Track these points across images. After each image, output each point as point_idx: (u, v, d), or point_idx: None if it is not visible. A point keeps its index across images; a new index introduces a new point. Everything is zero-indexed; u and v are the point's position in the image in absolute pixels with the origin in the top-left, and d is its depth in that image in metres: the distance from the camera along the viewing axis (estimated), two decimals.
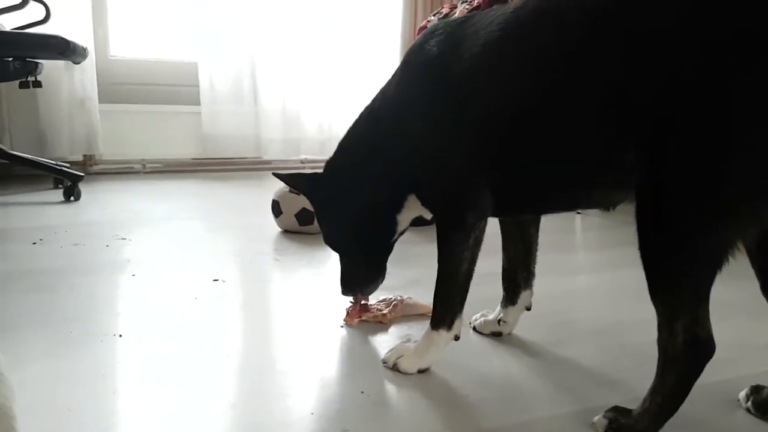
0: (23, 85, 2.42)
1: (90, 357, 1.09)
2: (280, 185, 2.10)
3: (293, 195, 2.04)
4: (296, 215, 2.04)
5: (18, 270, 1.59)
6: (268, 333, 1.25)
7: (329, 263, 1.73)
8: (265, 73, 3.54)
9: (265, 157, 3.65)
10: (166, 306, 1.36)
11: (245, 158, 3.65)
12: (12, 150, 2.74)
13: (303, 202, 2.03)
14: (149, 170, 3.45)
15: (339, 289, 1.26)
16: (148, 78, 3.45)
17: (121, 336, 1.18)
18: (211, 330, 1.24)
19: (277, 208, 2.08)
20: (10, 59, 2.33)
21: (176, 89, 3.49)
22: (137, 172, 3.41)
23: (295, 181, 1.29)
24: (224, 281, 1.54)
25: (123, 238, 1.93)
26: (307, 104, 3.67)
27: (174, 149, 3.50)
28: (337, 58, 3.68)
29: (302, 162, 3.70)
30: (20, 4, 2.32)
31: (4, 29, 2.44)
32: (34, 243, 1.85)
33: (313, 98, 3.67)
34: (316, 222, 2.01)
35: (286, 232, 2.10)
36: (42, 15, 2.66)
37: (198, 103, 3.44)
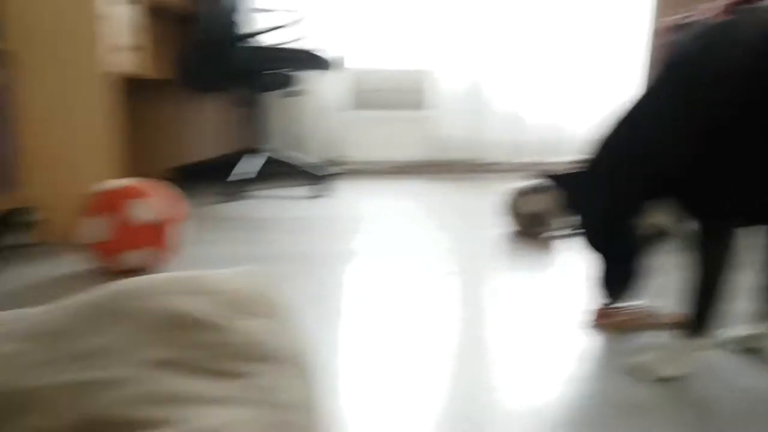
0: (287, 95, 2.77)
1: (330, 335, 1.24)
2: (513, 186, 2.15)
3: (525, 196, 2.08)
4: (527, 217, 2.07)
5: (274, 254, 1.84)
6: (503, 328, 1.30)
7: (566, 266, 1.74)
8: (493, 75, 3.62)
9: (490, 160, 3.73)
10: (397, 295, 1.48)
11: (471, 160, 3.76)
12: (275, 153, 3.14)
13: (534, 204, 2.05)
14: (386, 170, 3.72)
15: (584, 292, 1.27)
16: (386, 85, 3.73)
17: (357, 322, 1.32)
18: (442, 320, 1.33)
19: (508, 209, 2.13)
20: (278, 72, 2.68)
21: (411, 95, 3.73)
22: (376, 172, 3.70)
23: (557, 180, 1.33)
24: (457, 274, 1.63)
25: (362, 232, 2.13)
26: (534, 106, 3.67)
27: (406, 151, 3.74)
28: (566, 58, 3.62)
29: (527, 164, 3.71)
30: (285, 24, 2.66)
31: (275, 45, 2.80)
32: (290, 232, 2.12)
33: (542, 100, 3.65)
34: (547, 225, 2.06)
35: (517, 233, 2.13)
36: (300, 31, 3.01)
37: (430, 107, 3.64)
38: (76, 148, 1.87)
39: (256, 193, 2.92)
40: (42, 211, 1.88)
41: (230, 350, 0.62)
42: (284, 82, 2.74)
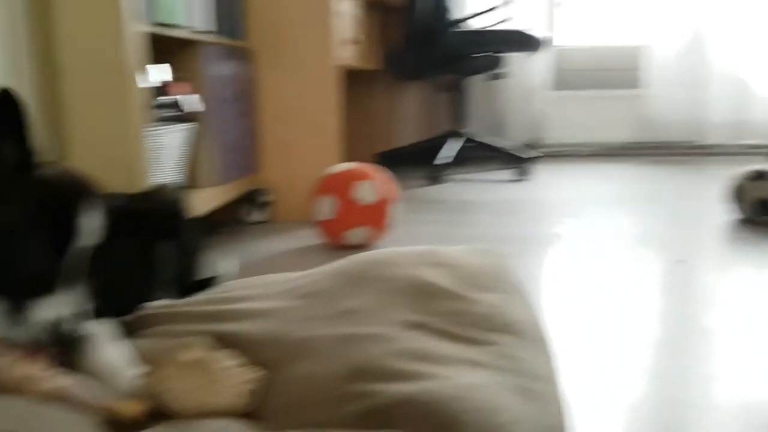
0: (492, 78, 2.79)
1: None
2: (739, 170, 1.98)
3: (754, 183, 1.91)
4: (756, 204, 1.90)
5: (479, 236, 1.88)
6: (725, 320, 1.22)
7: None
8: (712, 51, 3.31)
9: (707, 142, 3.43)
10: (609, 280, 1.45)
11: (686, 142, 3.48)
12: (477, 136, 3.19)
13: (765, 190, 1.88)
14: (589, 153, 3.59)
15: None
16: (592, 64, 3.59)
17: (568, 304, 1.31)
18: (658, 308, 1.28)
19: (736, 195, 1.96)
20: (487, 54, 2.71)
21: (618, 73, 3.54)
22: (579, 155, 3.59)
23: None
24: (686, 262, 1.55)
25: (567, 215, 2.10)
26: (760, 84, 3.29)
27: (612, 133, 3.57)
28: None
29: (750, 147, 3.35)
30: (495, 6, 2.68)
31: (484, 28, 2.83)
32: (493, 215, 2.15)
33: None
34: None
35: (745, 221, 1.96)
36: (508, 11, 3.01)
37: (639, 86, 3.44)
38: (307, 136, 2.08)
39: (458, 176, 3.00)
40: (275, 191, 2.12)
41: (471, 319, 0.68)
42: (492, 65, 2.77)
